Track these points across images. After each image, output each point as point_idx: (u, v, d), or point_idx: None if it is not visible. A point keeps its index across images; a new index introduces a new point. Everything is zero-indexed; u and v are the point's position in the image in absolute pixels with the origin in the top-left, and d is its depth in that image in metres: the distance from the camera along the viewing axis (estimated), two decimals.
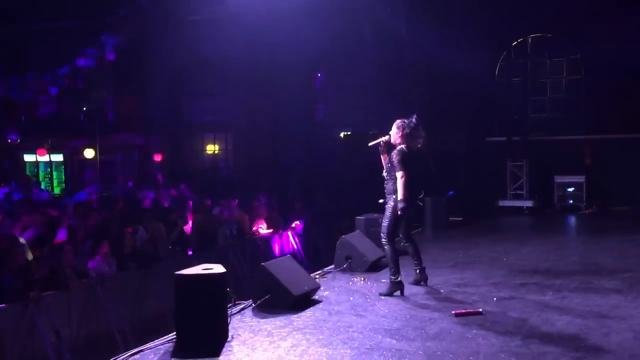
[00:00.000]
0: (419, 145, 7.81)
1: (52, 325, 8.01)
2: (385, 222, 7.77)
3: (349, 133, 21.39)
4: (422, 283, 8.10)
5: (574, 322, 6.48)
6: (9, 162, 25.10)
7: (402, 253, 8.24)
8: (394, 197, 7.62)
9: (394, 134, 7.80)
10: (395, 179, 7.58)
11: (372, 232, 10.06)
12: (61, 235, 10.45)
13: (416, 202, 7.82)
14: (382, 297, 7.62)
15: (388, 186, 7.73)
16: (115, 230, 11.23)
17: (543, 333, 6.13)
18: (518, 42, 16.99)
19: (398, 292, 7.68)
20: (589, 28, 17.63)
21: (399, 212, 7.59)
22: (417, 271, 8.12)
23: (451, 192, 15.90)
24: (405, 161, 7.58)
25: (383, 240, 7.81)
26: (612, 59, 17.68)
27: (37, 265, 8.66)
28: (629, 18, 17.47)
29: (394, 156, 7.66)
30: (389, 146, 7.86)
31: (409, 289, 7.84)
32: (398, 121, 7.84)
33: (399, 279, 7.71)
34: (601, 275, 8.68)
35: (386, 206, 7.76)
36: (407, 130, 7.71)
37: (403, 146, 7.68)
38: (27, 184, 20.05)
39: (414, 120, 7.78)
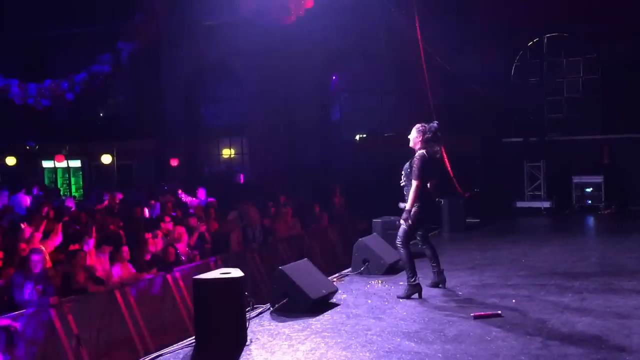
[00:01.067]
0: (438, 151, 7.71)
1: (73, 330, 8.06)
2: (402, 226, 7.74)
3: (364, 136, 21.37)
4: (440, 285, 8.07)
5: (594, 323, 6.42)
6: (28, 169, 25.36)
7: (419, 255, 8.22)
8: (415, 207, 7.55)
9: (414, 137, 7.72)
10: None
11: (389, 235, 10.03)
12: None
13: (434, 209, 7.74)
14: (400, 300, 7.60)
15: (408, 190, 7.66)
16: (135, 235, 11.30)
17: (563, 335, 6.08)
18: (534, 42, 16.91)
19: (416, 295, 7.66)
20: (605, 27, 17.52)
21: (410, 221, 7.57)
22: (436, 273, 8.08)
23: (468, 194, 15.83)
24: (424, 169, 7.49)
25: (398, 243, 7.79)
26: (628, 57, 17.57)
27: (55, 271, 8.71)
28: None
29: (414, 161, 7.57)
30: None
31: (427, 291, 7.81)
32: (418, 125, 7.75)
33: (416, 281, 7.68)
34: (621, 276, 8.60)
35: (404, 210, 7.72)
36: (428, 135, 7.61)
37: (424, 151, 7.58)
38: (47, 190, 20.23)
39: (435, 124, 7.70)
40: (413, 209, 7.52)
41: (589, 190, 16.63)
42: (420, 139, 7.65)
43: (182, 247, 10.78)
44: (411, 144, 7.77)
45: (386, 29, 18.43)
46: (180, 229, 10.99)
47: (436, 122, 7.78)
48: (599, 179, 16.54)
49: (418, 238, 8.05)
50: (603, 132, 17.64)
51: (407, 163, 7.76)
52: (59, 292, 8.22)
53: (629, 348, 5.65)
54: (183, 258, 10.58)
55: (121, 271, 9.67)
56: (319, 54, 22.17)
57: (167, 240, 11.00)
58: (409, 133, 7.85)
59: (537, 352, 5.60)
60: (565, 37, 18.27)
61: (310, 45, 21.49)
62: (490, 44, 18.50)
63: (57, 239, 10.26)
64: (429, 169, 7.54)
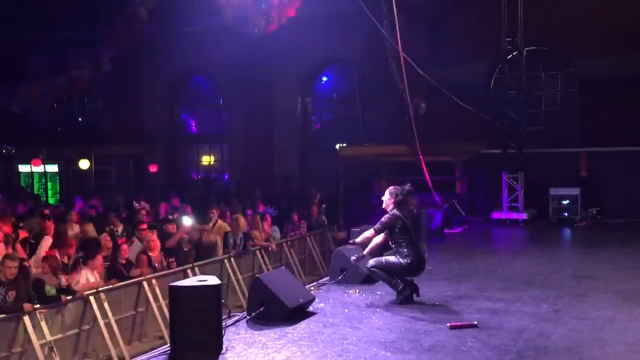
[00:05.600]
0: (412, 208, 8.12)
1: (46, 338, 7.96)
2: (384, 260, 7.91)
3: (344, 145, 21.40)
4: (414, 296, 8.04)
5: (569, 334, 6.47)
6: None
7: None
8: (407, 260, 7.73)
9: (387, 199, 8.05)
10: (404, 241, 7.77)
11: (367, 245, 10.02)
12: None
13: (423, 264, 8.00)
14: (377, 309, 7.62)
15: (401, 250, 7.81)
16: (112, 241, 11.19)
17: (538, 346, 6.12)
18: (513, 55, 17.05)
19: (396, 303, 7.80)
20: (583, 42, 17.74)
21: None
22: (407, 285, 8.03)
23: (446, 204, 15.92)
24: (389, 227, 7.82)
25: (370, 267, 8.02)
26: (605, 72, 17.80)
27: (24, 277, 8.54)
28: (621, 33, 17.60)
29: (385, 220, 7.86)
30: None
31: (405, 302, 7.81)
32: (391, 188, 8.11)
33: (400, 287, 7.83)
34: (596, 287, 8.68)
35: (395, 255, 7.88)
36: (399, 198, 7.94)
37: (395, 211, 7.88)
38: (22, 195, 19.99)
39: (407, 188, 8.04)
40: (405, 261, 7.75)
41: (565, 202, 16.77)
42: (392, 201, 7.99)
43: (155, 254, 10.67)
44: (384, 205, 8.10)
45: (367, 38, 18.55)
46: (153, 237, 10.87)
47: (408, 185, 8.11)
48: (575, 191, 16.69)
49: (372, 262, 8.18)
50: (580, 144, 17.82)
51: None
52: (31, 299, 8.10)
53: (602, 359, 5.70)
54: (156, 265, 10.48)
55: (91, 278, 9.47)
56: (300, 63, 22.21)
57: (142, 247, 10.88)
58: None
59: None
60: (544, 51, 18.46)
61: (291, 54, 21.53)
62: (470, 56, 18.65)
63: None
64: (396, 228, 7.79)
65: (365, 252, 8.17)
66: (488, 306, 7.67)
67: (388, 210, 7.99)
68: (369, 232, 8.03)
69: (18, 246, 10.46)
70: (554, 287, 8.74)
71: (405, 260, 7.76)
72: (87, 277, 9.17)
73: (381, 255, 8.19)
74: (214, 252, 11.90)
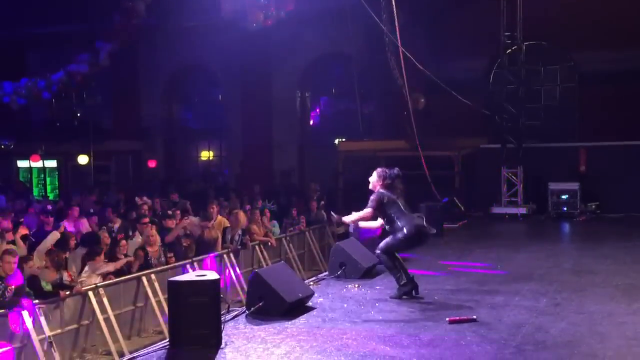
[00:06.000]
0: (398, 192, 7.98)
1: (45, 333, 7.96)
2: (387, 240, 7.84)
3: (343, 140, 21.39)
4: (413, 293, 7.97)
5: (568, 328, 6.47)
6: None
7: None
8: (405, 229, 7.68)
9: (374, 181, 8.00)
10: (395, 214, 7.73)
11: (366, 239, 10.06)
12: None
13: (423, 239, 7.95)
14: (377, 304, 7.62)
15: (395, 225, 7.77)
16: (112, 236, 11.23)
17: (537, 340, 6.12)
18: (512, 49, 17.03)
19: (396, 298, 7.76)
20: (582, 36, 17.73)
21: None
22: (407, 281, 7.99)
23: (445, 199, 15.90)
24: (379, 202, 7.77)
25: (378, 252, 7.93)
26: (605, 66, 17.79)
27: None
28: (620, 27, 17.58)
29: (372, 198, 7.83)
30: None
31: (404, 296, 7.81)
32: (379, 169, 8.05)
33: (403, 281, 7.78)
34: (595, 282, 8.68)
35: (392, 234, 7.84)
36: (387, 181, 7.90)
37: (382, 191, 7.84)
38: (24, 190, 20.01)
39: (395, 171, 7.98)
40: (401, 233, 7.69)
41: (565, 197, 16.76)
42: (380, 184, 7.93)
43: (154, 249, 10.67)
44: (370, 187, 8.04)
45: (366, 33, 18.50)
46: (152, 232, 10.88)
47: (397, 169, 8.05)
48: (574, 186, 16.68)
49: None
50: (579, 139, 17.81)
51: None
52: (29, 294, 8.10)
53: (601, 353, 5.70)
54: (154, 261, 10.48)
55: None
56: (299, 57, 22.18)
57: (141, 242, 10.89)
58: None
59: (511, 357, 5.63)
60: (544, 46, 18.44)
61: (290, 48, 21.50)
62: (469, 51, 18.63)
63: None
64: (384, 204, 7.76)
65: (348, 220, 8.16)
66: (487, 301, 7.67)
67: (375, 190, 7.94)
68: (366, 212, 7.89)
69: (19, 242, 10.47)
70: (553, 281, 8.74)
71: (402, 232, 7.68)
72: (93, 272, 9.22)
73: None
74: (215, 248, 11.90)
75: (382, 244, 7.90)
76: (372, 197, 7.88)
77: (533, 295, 7.93)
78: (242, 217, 12.81)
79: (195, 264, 10.69)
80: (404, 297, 7.78)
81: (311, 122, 24.03)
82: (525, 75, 17.26)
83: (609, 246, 11.78)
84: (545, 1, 17.91)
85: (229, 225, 12.64)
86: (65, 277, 8.81)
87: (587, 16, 17.73)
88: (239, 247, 12.08)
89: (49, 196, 24.03)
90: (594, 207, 16.62)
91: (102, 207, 14.70)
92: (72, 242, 10.39)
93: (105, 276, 9.49)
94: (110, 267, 9.66)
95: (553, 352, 5.77)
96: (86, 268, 9.53)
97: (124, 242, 10.59)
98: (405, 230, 7.70)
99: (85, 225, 12.18)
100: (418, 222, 7.85)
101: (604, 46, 17.61)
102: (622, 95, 17.80)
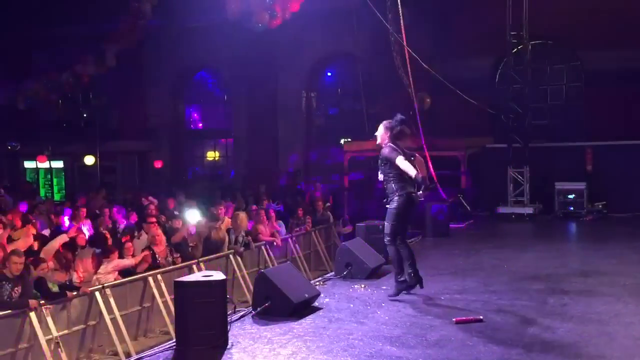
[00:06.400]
0: (407, 144, 7.78)
1: (52, 334, 7.97)
2: (387, 223, 7.72)
3: (349, 140, 21.38)
4: (417, 286, 7.88)
5: (575, 329, 6.45)
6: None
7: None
8: (396, 196, 7.56)
9: (381, 134, 7.76)
10: (394, 177, 7.52)
11: (372, 239, 10.04)
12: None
13: (414, 198, 7.65)
14: (383, 304, 7.60)
15: (389, 186, 7.64)
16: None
17: (544, 340, 6.11)
18: (518, 49, 17.00)
19: (403, 293, 7.75)
20: (588, 35, 17.68)
21: (421, 190, 7.51)
22: (410, 274, 7.88)
23: (452, 199, 15.88)
24: (397, 152, 7.48)
25: (386, 240, 7.79)
26: (611, 65, 17.73)
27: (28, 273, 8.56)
28: (626, 26, 17.52)
29: (384, 152, 7.60)
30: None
31: (409, 296, 7.81)
32: (385, 122, 7.81)
33: (402, 277, 7.74)
34: (602, 282, 8.65)
35: (388, 207, 7.69)
36: (396, 129, 7.65)
37: (391, 144, 7.62)
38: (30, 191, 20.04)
39: (399, 116, 7.73)
40: (395, 202, 7.51)
41: (571, 196, 16.72)
42: (388, 135, 7.69)
43: (160, 249, 10.69)
44: (378, 141, 7.80)
45: (371, 33, 18.49)
46: (159, 232, 10.90)
47: (399, 114, 7.78)
48: (581, 185, 16.65)
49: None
50: (586, 139, 17.77)
51: (379, 160, 7.74)
52: (35, 295, 8.12)
53: (608, 353, 5.68)
54: (162, 261, 10.49)
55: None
56: (304, 58, 22.18)
57: (147, 242, 10.90)
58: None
59: (518, 358, 5.61)
60: (550, 45, 18.40)
61: (295, 49, 21.51)
62: (475, 50, 18.60)
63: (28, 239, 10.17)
64: (401, 154, 7.50)
65: (420, 176, 7.47)
66: (494, 301, 7.65)
67: (383, 144, 7.69)
68: (402, 164, 7.37)
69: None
70: (560, 281, 8.72)
71: (394, 203, 7.50)
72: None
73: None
74: (222, 249, 11.88)
75: (387, 229, 7.72)
76: (387, 152, 7.52)
77: (540, 295, 7.91)
78: (242, 218, 12.65)
79: (202, 264, 10.68)
80: (402, 292, 7.74)
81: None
82: (531, 75, 17.24)
83: (616, 246, 11.75)
84: (551, 0, 17.86)
85: (231, 226, 12.60)
86: (75, 278, 8.83)
87: (593, 15, 17.68)
88: (242, 248, 12.05)
89: (55, 196, 24.11)
90: (600, 206, 16.58)
91: (108, 207, 14.71)
92: (82, 242, 10.41)
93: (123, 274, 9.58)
94: (127, 262, 9.72)
95: (560, 352, 5.75)
96: (103, 266, 9.58)
97: (129, 244, 10.58)
98: (396, 201, 7.53)
99: (89, 226, 12.19)
100: (409, 190, 7.60)
101: (610, 45, 17.55)
102: (629, 95, 17.74)
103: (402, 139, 7.69)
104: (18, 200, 15.89)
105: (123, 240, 11.01)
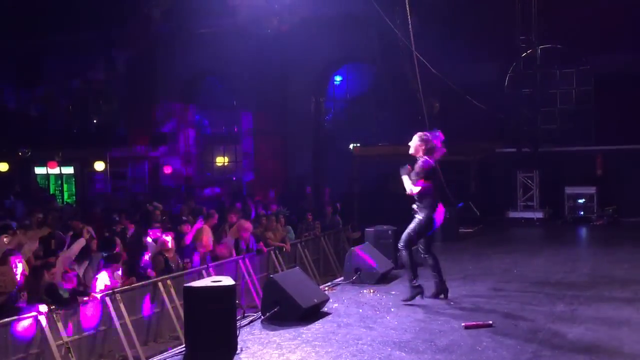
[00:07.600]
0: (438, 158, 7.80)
1: (62, 338, 8.02)
2: (409, 230, 7.71)
3: (358, 145, 21.39)
4: (441, 296, 7.95)
5: (585, 334, 6.42)
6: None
7: (420, 265, 8.19)
8: (426, 207, 7.58)
9: (415, 145, 7.75)
10: (426, 189, 7.54)
11: (381, 244, 10.04)
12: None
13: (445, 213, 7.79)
14: (392, 309, 7.59)
15: (421, 196, 7.63)
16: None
17: (554, 345, 6.08)
18: (528, 53, 16.97)
19: (412, 301, 7.70)
20: (598, 39, 17.62)
21: (424, 223, 7.60)
22: (437, 283, 7.96)
23: (461, 204, 15.85)
24: (429, 174, 7.55)
25: (400, 245, 7.78)
26: (621, 69, 17.66)
27: (34, 279, 8.56)
28: (636, 29, 17.45)
29: (420, 164, 7.60)
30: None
31: (419, 301, 7.78)
32: (421, 133, 7.80)
33: (417, 283, 7.72)
34: (613, 286, 8.60)
35: (416, 216, 7.72)
36: (430, 144, 7.68)
37: (426, 157, 7.64)
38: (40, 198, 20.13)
39: (437, 133, 7.77)
40: (424, 212, 7.57)
41: (581, 201, 16.67)
42: (423, 147, 7.70)
43: (170, 255, 10.72)
44: (412, 151, 7.78)
45: (380, 38, 18.50)
46: (169, 238, 10.91)
47: (439, 131, 7.85)
48: (591, 190, 16.59)
49: (421, 247, 7.98)
50: (596, 143, 17.70)
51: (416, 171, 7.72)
52: (45, 300, 8.16)
53: (619, 359, 5.65)
54: (172, 266, 10.52)
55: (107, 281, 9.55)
56: (313, 63, 22.22)
57: (157, 248, 10.93)
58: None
59: None
60: (559, 49, 18.36)
61: (304, 54, 21.54)
62: (485, 55, 18.56)
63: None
64: (433, 175, 7.57)
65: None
66: (503, 306, 7.62)
67: (417, 156, 7.69)
68: (416, 188, 7.50)
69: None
70: (570, 286, 8.68)
71: (425, 213, 7.55)
72: (106, 278, 9.27)
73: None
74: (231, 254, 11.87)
75: (405, 235, 7.71)
76: (419, 168, 7.55)
77: (550, 300, 7.87)
78: (242, 226, 12.51)
79: (211, 270, 10.71)
80: (415, 297, 7.70)
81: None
82: (540, 79, 17.20)
83: (626, 250, 11.70)
84: (560, 4, 17.82)
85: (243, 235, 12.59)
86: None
87: (602, 18, 17.62)
88: (246, 253, 12.03)
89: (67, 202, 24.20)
90: (611, 211, 16.52)
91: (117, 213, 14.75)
92: (94, 247, 10.44)
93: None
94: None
95: (570, 357, 5.73)
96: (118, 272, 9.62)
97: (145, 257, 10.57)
98: (424, 211, 7.57)
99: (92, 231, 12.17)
100: (438, 203, 7.71)
101: (620, 49, 17.48)
102: (639, 98, 17.65)
103: (435, 154, 7.74)
104: (30, 206, 15.92)
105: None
